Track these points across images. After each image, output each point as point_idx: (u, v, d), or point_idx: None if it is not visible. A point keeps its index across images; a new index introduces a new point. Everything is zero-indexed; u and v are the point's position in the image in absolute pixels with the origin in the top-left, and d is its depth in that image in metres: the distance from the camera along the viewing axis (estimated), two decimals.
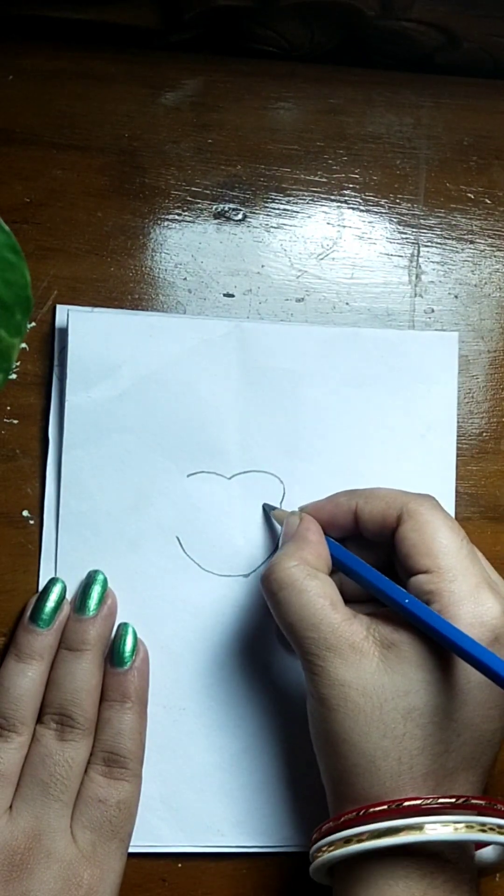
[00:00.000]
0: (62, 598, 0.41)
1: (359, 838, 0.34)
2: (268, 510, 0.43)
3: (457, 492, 0.44)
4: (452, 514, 0.44)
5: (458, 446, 0.45)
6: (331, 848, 0.35)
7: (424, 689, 0.35)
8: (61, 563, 0.42)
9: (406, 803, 0.34)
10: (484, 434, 0.45)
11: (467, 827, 0.34)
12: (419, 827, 0.34)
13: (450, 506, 0.44)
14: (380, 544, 0.39)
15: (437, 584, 0.36)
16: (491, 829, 0.34)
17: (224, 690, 0.42)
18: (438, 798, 0.34)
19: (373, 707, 0.35)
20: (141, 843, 0.40)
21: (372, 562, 0.39)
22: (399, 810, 0.34)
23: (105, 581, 0.41)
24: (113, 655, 0.41)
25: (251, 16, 0.45)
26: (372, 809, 0.34)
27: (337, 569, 0.39)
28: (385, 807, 0.34)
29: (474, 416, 0.45)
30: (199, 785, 0.41)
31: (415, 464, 0.44)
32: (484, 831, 0.34)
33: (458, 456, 0.45)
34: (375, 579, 0.37)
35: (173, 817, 0.41)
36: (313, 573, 0.37)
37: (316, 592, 0.37)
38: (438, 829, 0.33)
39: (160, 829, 0.41)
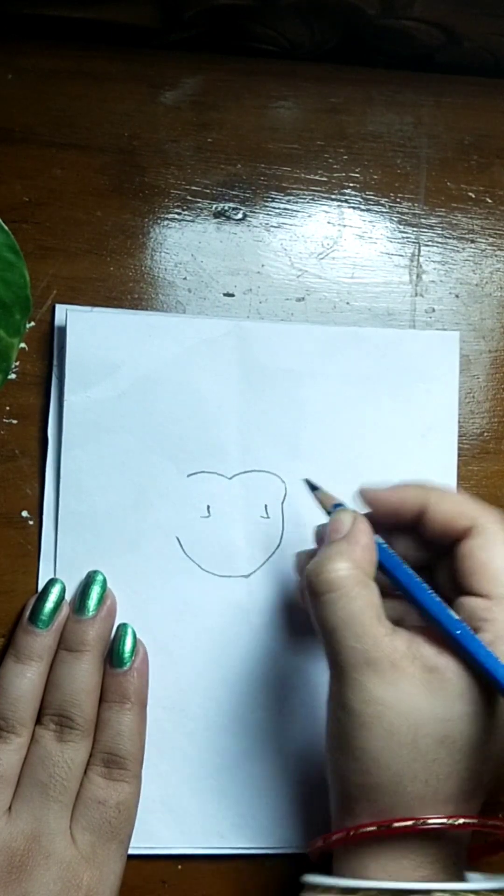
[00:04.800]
0: (61, 598, 0.41)
1: (365, 894, 0.33)
2: (312, 488, 0.41)
3: (458, 492, 0.44)
4: None
5: (460, 446, 0.45)
6: (328, 892, 0.34)
7: (464, 720, 0.34)
8: (60, 563, 0.42)
9: (431, 821, 0.33)
10: (485, 434, 0.45)
11: (474, 894, 0.33)
12: (427, 893, 0.33)
13: None
14: (409, 534, 0.38)
15: (494, 612, 0.35)
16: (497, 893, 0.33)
17: (224, 691, 0.42)
18: (459, 819, 0.33)
19: (408, 729, 0.34)
20: (140, 844, 0.40)
21: (399, 550, 0.37)
22: (424, 828, 0.33)
23: (104, 581, 0.41)
24: (112, 656, 0.40)
25: (251, 14, 0.45)
26: (396, 825, 0.34)
27: (382, 576, 0.38)
28: (411, 822, 0.33)
29: (475, 416, 0.45)
30: (198, 786, 0.41)
31: (415, 464, 0.44)
32: None
33: (459, 456, 0.44)
34: (426, 600, 0.36)
35: (173, 819, 0.41)
36: (364, 580, 0.36)
37: (365, 602, 0.35)
38: None
39: (160, 831, 0.41)
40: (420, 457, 0.44)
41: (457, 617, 0.35)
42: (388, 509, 0.38)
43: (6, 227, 0.35)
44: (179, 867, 0.41)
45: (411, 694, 0.34)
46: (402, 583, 0.36)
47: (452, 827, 0.34)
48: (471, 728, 0.34)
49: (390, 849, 0.34)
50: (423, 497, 0.38)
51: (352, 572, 0.36)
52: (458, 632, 0.34)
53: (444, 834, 0.35)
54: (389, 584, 0.37)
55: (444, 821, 0.33)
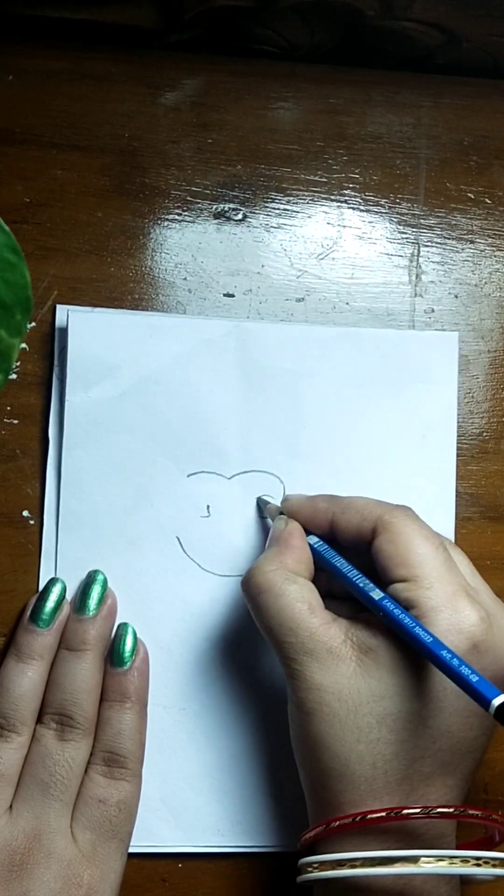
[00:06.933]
0: (62, 598, 0.41)
1: (352, 864, 0.34)
2: (262, 505, 0.43)
3: (457, 492, 0.44)
4: (452, 515, 0.44)
5: (459, 446, 0.45)
6: (322, 867, 0.35)
7: (399, 694, 0.35)
8: (61, 563, 0.42)
9: (405, 811, 0.34)
10: (484, 434, 0.45)
11: (462, 861, 0.34)
12: (414, 860, 0.34)
13: (450, 506, 0.44)
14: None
15: (413, 591, 0.36)
16: (486, 862, 0.34)
17: (224, 690, 0.42)
18: (437, 808, 0.34)
19: (347, 711, 0.35)
20: (141, 843, 0.40)
21: (360, 565, 0.38)
22: (397, 818, 0.34)
23: (105, 581, 0.41)
24: (113, 655, 0.41)
25: (251, 16, 0.45)
26: (370, 816, 0.34)
27: (321, 568, 0.39)
28: (383, 814, 0.34)
29: (474, 416, 0.45)
30: (199, 785, 0.41)
31: (415, 464, 0.44)
32: (479, 865, 0.34)
33: (458, 456, 0.45)
34: (354, 579, 0.38)
35: (173, 817, 0.41)
36: (292, 577, 0.38)
37: (294, 597, 0.37)
38: (433, 862, 0.34)
39: (160, 829, 0.41)
40: (419, 457, 0.44)
41: (383, 594, 0.36)
42: (303, 519, 0.40)
43: (7, 228, 0.35)
44: (180, 865, 0.41)
45: (348, 676, 0.35)
46: (338, 572, 0.39)
47: (429, 816, 0.34)
48: (408, 702, 0.35)
49: (369, 835, 0.35)
50: (329, 510, 0.40)
51: (278, 572, 0.38)
52: (385, 602, 0.36)
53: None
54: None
55: (419, 810, 0.34)
